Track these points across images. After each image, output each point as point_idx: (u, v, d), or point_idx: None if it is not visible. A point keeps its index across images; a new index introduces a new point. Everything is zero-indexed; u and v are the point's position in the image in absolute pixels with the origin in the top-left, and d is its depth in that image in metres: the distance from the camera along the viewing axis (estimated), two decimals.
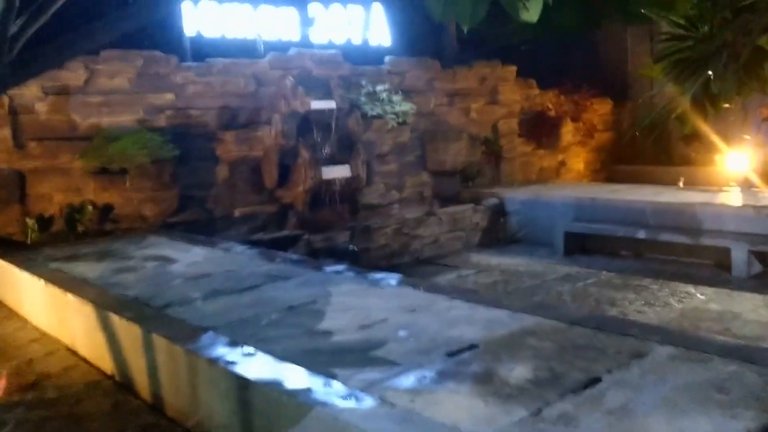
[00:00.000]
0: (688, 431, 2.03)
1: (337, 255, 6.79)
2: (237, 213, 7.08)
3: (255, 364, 2.73)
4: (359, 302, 3.64)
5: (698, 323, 4.97)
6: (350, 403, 2.30)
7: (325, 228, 7.17)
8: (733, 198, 7.34)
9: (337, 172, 7.47)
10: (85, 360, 3.94)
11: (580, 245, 7.66)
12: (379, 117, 7.95)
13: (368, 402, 2.30)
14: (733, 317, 5.08)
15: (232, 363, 2.75)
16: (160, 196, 6.61)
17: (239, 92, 7.26)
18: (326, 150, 7.49)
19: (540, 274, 6.77)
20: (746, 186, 7.89)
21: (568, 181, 10.57)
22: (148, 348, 3.25)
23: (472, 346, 2.83)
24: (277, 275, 4.40)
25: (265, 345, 2.94)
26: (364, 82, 8.02)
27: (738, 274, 6.29)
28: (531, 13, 4.57)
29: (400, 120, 8.13)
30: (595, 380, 2.41)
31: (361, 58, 8.22)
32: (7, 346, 4.30)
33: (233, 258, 5.16)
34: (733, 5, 3.98)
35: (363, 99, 7.87)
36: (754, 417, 2.09)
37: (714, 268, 6.59)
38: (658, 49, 4.45)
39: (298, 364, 2.66)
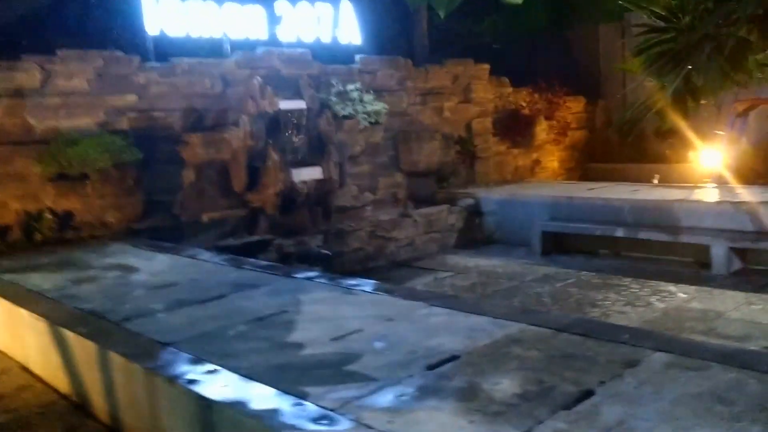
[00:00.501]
0: None
1: (309, 260, 6.61)
2: (205, 218, 6.80)
3: (219, 383, 2.53)
4: (332, 311, 3.47)
5: (682, 323, 4.86)
6: (322, 427, 2.11)
7: (297, 232, 6.97)
8: (710, 194, 7.29)
9: (309, 174, 7.26)
10: (39, 379, 3.73)
11: (558, 245, 7.55)
12: (350, 117, 7.75)
13: (342, 424, 2.12)
14: (716, 316, 4.98)
15: (194, 382, 2.55)
16: (123, 202, 6.37)
17: (205, 93, 7.02)
18: (297, 151, 7.28)
19: (518, 275, 6.63)
20: (720, 182, 7.84)
21: (543, 179, 10.50)
22: (105, 366, 3.02)
23: (453, 357, 2.66)
24: (246, 283, 4.19)
25: (230, 361, 2.75)
26: (334, 82, 7.81)
27: (718, 271, 6.22)
28: None
29: (372, 120, 7.94)
30: (588, 393, 2.24)
31: (331, 57, 8.02)
32: None
33: (199, 266, 4.96)
34: None
35: (334, 99, 7.67)
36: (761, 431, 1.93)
37: (694, 266, 6.51)
38: (637, 42, 4.28)
39: (266, 382, 2.48)
